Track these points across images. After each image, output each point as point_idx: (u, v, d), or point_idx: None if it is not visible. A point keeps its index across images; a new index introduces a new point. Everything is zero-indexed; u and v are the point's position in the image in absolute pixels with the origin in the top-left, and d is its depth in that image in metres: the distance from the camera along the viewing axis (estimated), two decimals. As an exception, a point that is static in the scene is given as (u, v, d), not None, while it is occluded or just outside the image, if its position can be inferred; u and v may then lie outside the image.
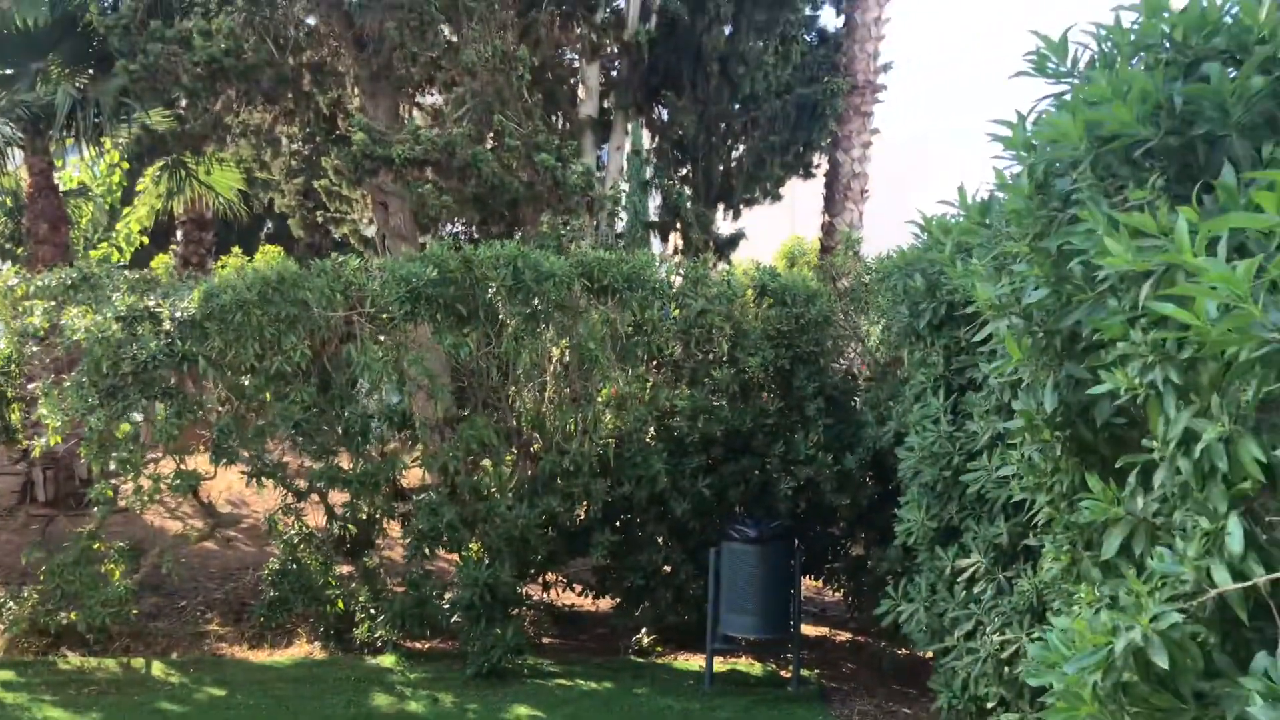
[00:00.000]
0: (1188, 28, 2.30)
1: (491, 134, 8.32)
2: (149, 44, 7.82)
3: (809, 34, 12.11)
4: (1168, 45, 2.38)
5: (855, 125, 11.88)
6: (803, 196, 14.62)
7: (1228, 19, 2.27)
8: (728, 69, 10.53)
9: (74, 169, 14.34)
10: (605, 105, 11.39)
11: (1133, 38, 2.49)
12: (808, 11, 11.73)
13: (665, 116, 11.45)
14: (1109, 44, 2.65)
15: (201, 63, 7.66)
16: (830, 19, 12.81)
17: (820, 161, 12.32)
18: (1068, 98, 2.75)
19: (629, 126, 11.05)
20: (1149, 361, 2.17)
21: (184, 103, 9.20)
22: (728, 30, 10.60)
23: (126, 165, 13.80)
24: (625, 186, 10.74)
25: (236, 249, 14.69)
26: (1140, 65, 2.50)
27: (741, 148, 11.45)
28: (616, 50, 11.15)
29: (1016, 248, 2.83)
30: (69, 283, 6.95)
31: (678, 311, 6.85)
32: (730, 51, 10.51)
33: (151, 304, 6.46)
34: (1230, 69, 2.29)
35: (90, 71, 10.26)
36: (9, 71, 10.01)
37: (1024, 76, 2.91)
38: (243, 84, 8.17)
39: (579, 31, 10.51)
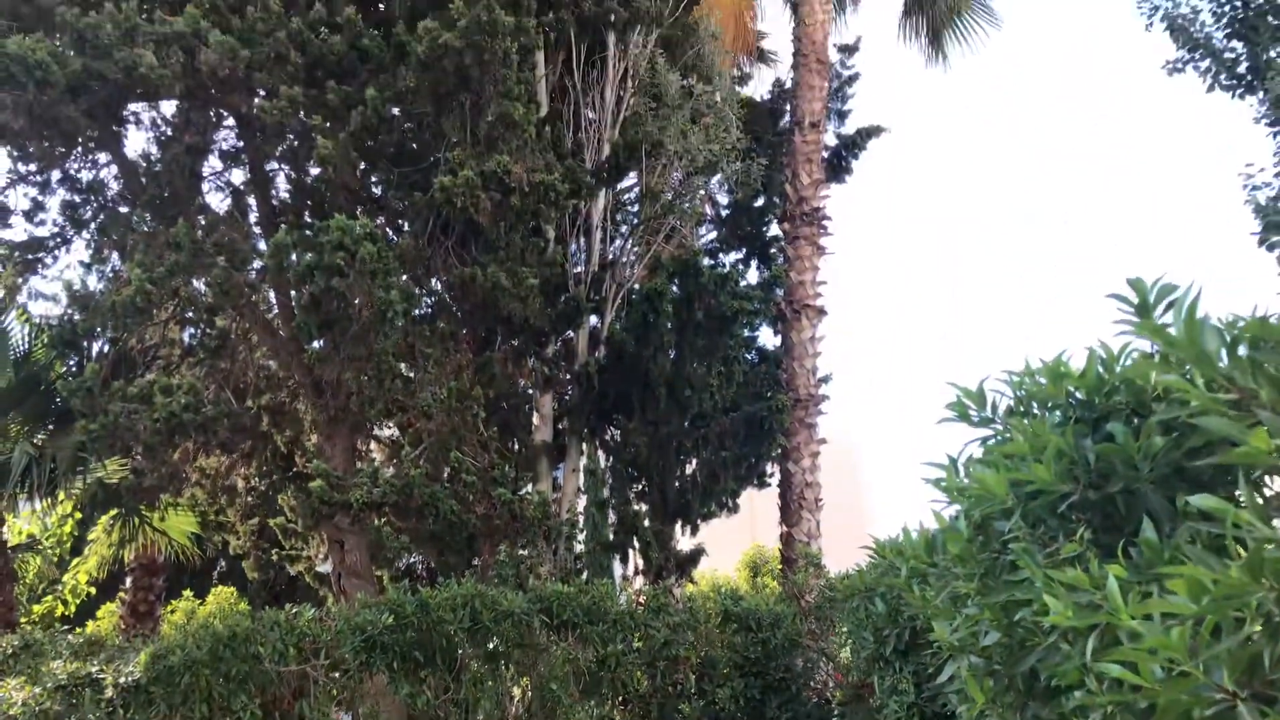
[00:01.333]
0: (1089, 389, 2.50)
1: (448, 470, 8.47)
2: (110, 404, 8.03)
3: (749, 353, 12.77)
4: (1074, 401, 2.58)
5: (802, 437, 12.28)
6: (761, 502, 14.80)
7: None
8: (675, 391, 10.97)
9: (24, 521, 14.19)
10: (560, 428, 11.71)
11: (1041, 389, 2.70)
12: (746, 333, 12.42)
13: (618, 437, 11.76)
14: (1022, 391, 2.88)
15: (161, 419, 7.84)
16: (769, 337, 13.56)
17: (773, 470, 12.61)
18: (992, 441, 2.95)
19: (583, 449, 11.31)
20: (1109, 713, 2.18)
21: (141, 455, 9.32)
22: (672, 355, 11.15)
23: (79, 515, 13.70)
24: (581, 507, 10.82)
25: (188, 592, 14.35)
26: (1053, 414, 2.70)
27: (694, 463, 11.71)
28: (568, 378, 11.62)
29: (966, 588, 2.90)
30: (9, 651, 6.70)
31: (641, 643, 6.73)
32: (676, 375, 11.00)
33: (95, 669, 6.21)
34: (1136, 418, 2.49)
35: (50, 427, 10.43)
36: (-33, 433, 10.15)
37: (948, 422, 3.13)
38: (201, 436, 8.33)
39: (531, 364, 10.98)
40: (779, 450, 12.20)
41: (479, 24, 7.96)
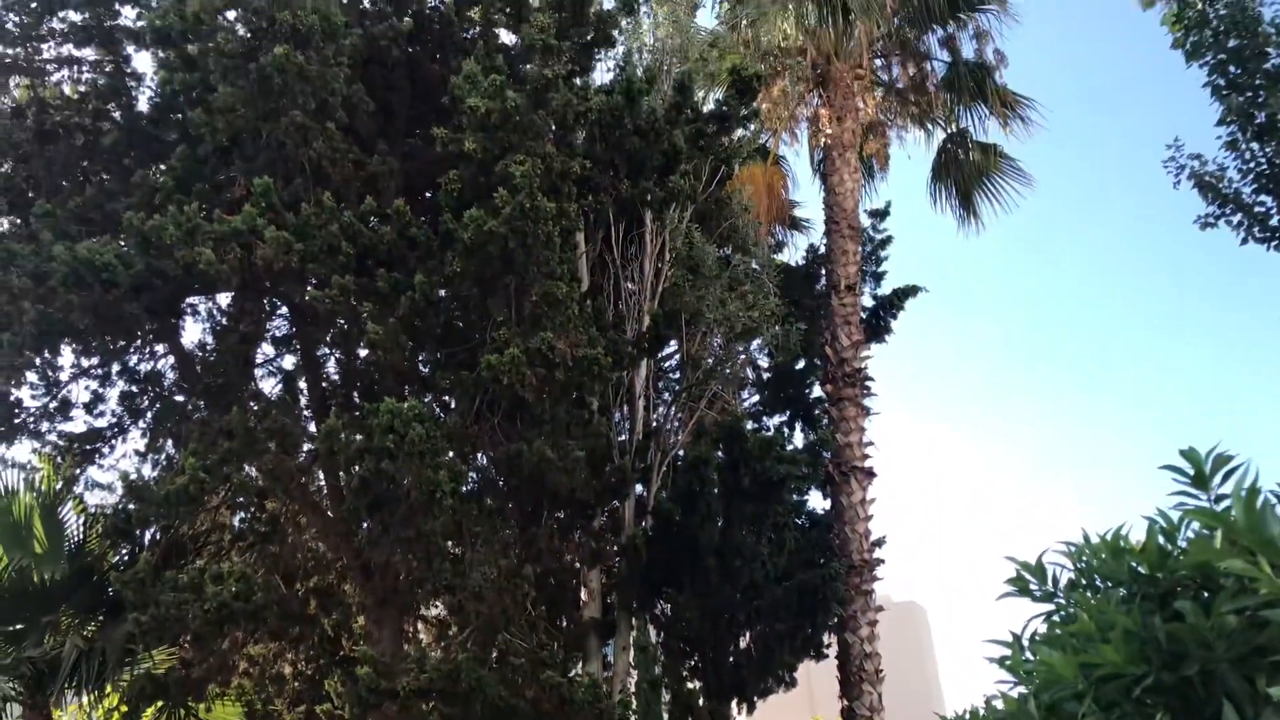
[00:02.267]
0: (1152, 564, 2.42)
1: (496, 652, 8.31)
2: (161, 594, 8.04)
3: (800, 519, 12.58)
4: (1137, 576, 2.50)
5: (859, 604, 11.95)
6: (819, 675, 14.27)
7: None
8: (725, 562, 10.78)
9: (71, 718, 14.00)
10: (608, 602, 11.49)
11: (1103, 563, 2.63)
12: (795, 499, 12.28)
13: (669, 611, 11.50)
14: (1083, 563, 2.80)
15: (211, 608, 7.82)
16: (818, 502, 13.40)
17: (830, 641, 12.22)
18: (1056, 617, 2.85)
19: (633, 624, 11.06)
20: None
21: (190, 645, 9.27)
22: (720, 524, 11.01)
23: (125, 709, 13.51)
24: (633, 686, 10.50)
25: (232, 786, 13.93)
26: (1116, 590, 2.61)
27: (748, 636, 11.38)
28: (616, 551, 11.49)
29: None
30: None
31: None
32: (725, 544, 10.83)
33: None
34: (1205, 592, 2.40)
35: (100, 619, 10.43)
36: (19, 627, 10.15)
37: (1009, 598, 3.04)
38: (251, 624, 8.29)
39: (578, 538, 10.89)
40: (835, 619, 11.84)
41: (522, 211, 8.28)
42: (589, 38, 11.12)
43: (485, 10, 10.23)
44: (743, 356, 12.96)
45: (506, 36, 11.17)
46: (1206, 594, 2.38)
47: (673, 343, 12.33)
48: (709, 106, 12.59)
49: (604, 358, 9.27)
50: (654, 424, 11.64)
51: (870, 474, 12.80)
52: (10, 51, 10.73)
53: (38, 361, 10.04)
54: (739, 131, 12.41)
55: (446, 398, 11.03)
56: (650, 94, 11.19)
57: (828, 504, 13.07)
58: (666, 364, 13.18)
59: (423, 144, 10.60)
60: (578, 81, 10.88)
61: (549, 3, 10.88)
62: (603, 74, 12.40)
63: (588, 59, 11.34)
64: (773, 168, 14.81)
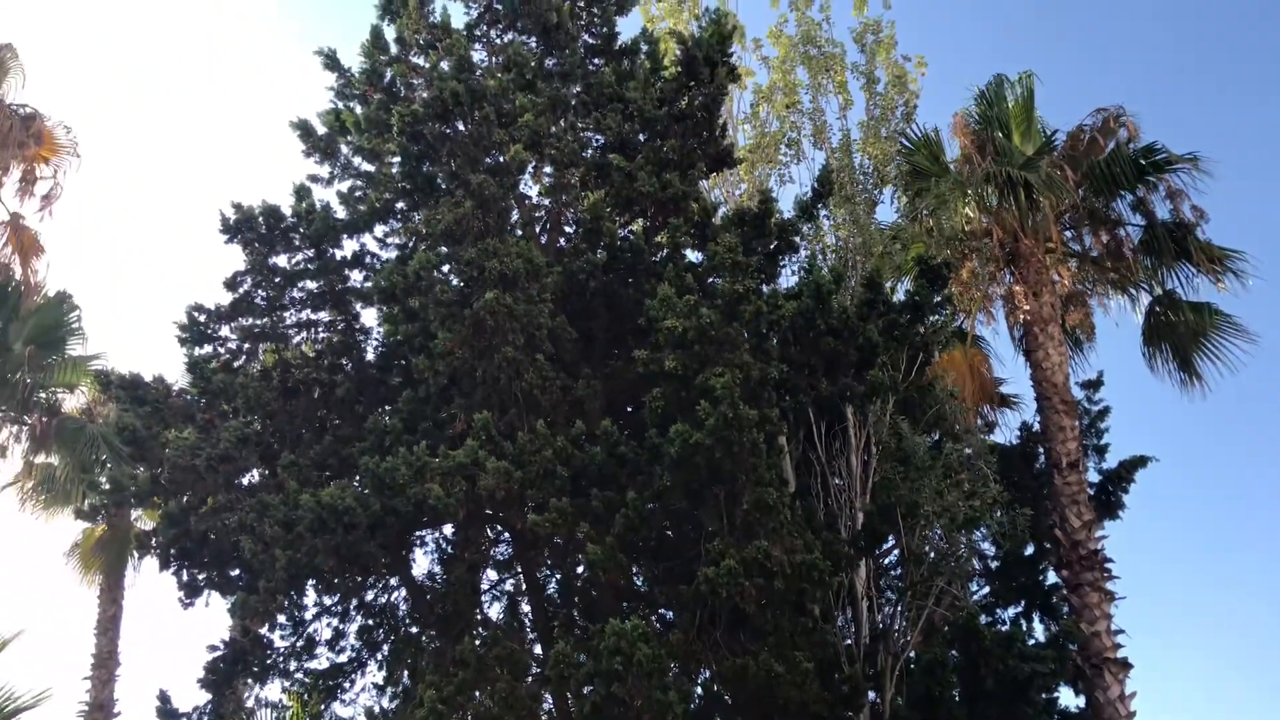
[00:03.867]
0: None
1: None
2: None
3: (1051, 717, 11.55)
4: None
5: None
6: None
7: None
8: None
9: None
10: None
11: None
12: (1044, 697, 11.32)
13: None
14: None
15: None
16: (1070, 698, 12.30)
17: None
18: None
19: None
20: None
21: None
22: None
23: None
24: None
25: None
26: None
27: None
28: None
29: None
30: None
31: None
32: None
33: None
34: None
35: None
36: None
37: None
38: None
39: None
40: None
41: (726, 422, 8.43)
42: (772, 247, 11.54)
43: (672, 235, 10.80)
44: (965, 549, 12.37)
45: (692, 253, 11.72)
46: None
47: (890, 538, 11.95)
48: (898, 297, 12.65)
49: (822, 562, 9.09)
50: (880, 625, 11.17)
51: (1125, 665, 11.70)
52: (259, 322, 12.07)
53: (286, 604, 10.70)
54: (932, 318, 12.36)
55: (664, 612, 10.99)
56: (839, 292, 11.39)
57: (1081, 701, 11.98)
58: (885, 560, 12.73)
59: (622, 364, 11.06)
60: (766, 289, 11.22)
61: (731, 219, 11.44)
62: (788, 277, 12.75)
63: (773, 267, 11.73)
64: (973, 349, 14.53)
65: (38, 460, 17.92)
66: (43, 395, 17.61)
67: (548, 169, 12.71)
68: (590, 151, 12.33)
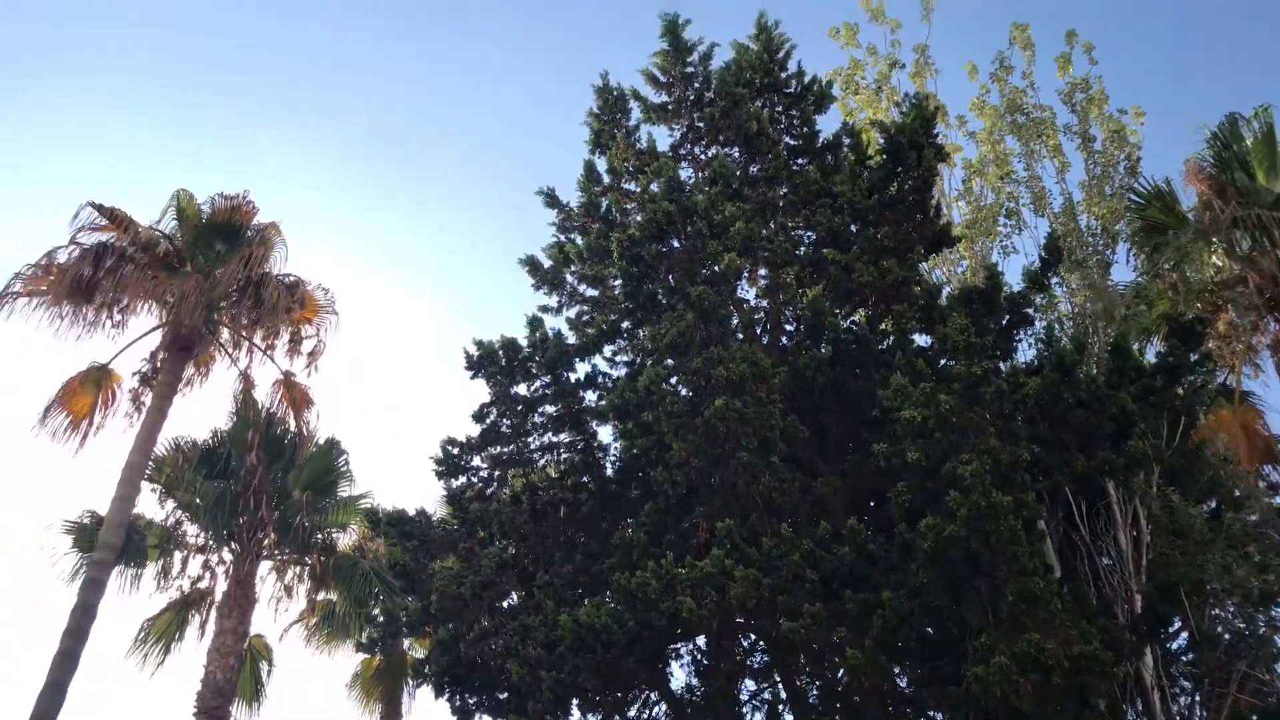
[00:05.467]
0: None
1: None
2: None
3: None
4: None
5: None
6: None
7: None
8: None
9: None
10: None
11: None
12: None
13: None
14: None
15: None
16: None
17: None
18: None
19: None
20: None
21: None
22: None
23: None
24: None
25: None
26: None
27: None
28: None
29: None
30: None
31: None
32: None
33: None
34: None
35: None
36: None
37: None
38: None
39: None
40: None
41: (979, 510, 8.10)
42: (1005, 322, 11.12)
43: (898, 321, 10.63)
44: (1267, 625, 11.15)
45: (920, 337, 11.45)
46: None
47: (1175, 620, 10.96)
48: (1149, 359, 11.84)
49: (1102, 651, 8.45)
50: (1179, 717, 10.18)
51: None
52: (506, 449, 12.70)
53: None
54: (1191, 377, 11.47)
55: (934, 715, 10.47)
56: (1083, 362, 10.79)
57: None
58: (1172, 645, 11.66)
59: (860, 458, 10.84)
60: (1004, 367, 10.79)
61: (958, 299, 11.14)
62: (1025, 352, 12.21)
63: (1008, 343, 11.28)
64: (1243, 406, 13.35)
65: (319, 598, 19.36)
66: (319, 536, 19.06)
67: (762, 271, 12.85)
68: (803, 249, 12.40)
